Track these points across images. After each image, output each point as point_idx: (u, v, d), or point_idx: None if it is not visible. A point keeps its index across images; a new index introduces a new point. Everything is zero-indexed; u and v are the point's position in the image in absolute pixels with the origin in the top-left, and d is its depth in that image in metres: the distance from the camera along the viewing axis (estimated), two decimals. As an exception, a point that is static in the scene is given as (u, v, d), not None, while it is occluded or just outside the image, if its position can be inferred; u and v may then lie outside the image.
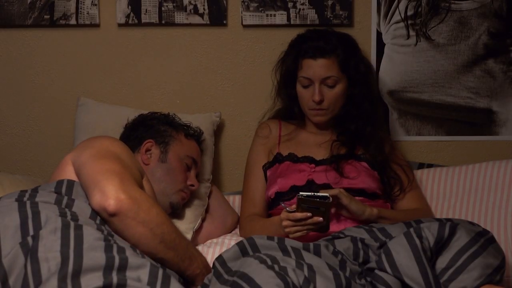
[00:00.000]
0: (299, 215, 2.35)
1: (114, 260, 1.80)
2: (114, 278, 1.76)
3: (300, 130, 2.82)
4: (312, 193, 2.36)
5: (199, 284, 2.13)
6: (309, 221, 2.35)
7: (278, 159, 2.73)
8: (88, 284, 1.74)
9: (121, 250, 1.84)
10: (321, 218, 2.35)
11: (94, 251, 1.81)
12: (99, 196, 1.99)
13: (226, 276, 2.06)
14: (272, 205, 2.70)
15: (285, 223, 2.38)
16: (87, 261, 1.78)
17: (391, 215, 2.57)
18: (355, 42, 2.78)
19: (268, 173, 2.74)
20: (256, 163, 2.79)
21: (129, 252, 1.86)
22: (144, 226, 2.00)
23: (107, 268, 1.78)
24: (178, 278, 2.03)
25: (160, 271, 1.83)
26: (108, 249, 1.83)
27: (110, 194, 1.98)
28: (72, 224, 1.87)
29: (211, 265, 2.19)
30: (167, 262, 2.03)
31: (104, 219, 2.00)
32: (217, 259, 2.15)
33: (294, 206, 2.38)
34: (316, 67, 2.66)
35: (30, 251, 1.81)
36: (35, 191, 2.07)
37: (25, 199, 1.99)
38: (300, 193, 2.36)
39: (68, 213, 1.92)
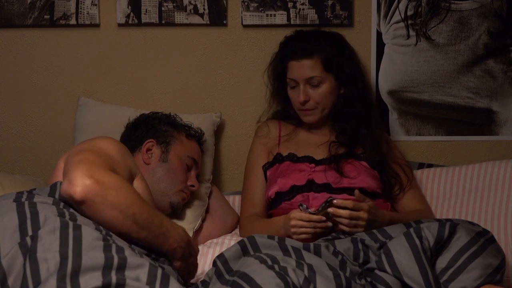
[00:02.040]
0: (314, 217, 2.35)
1: (113, 259, 1.80)
2: (113, 278, 1.76)
3: (299, 130, 2.82)
4: (334, 199, 2.39)
5: (177, 257, 2.11)
6: (320, 224, 2.36)
7: (278, 159, 2.74)
8: (87, 284, 1.74)
9: (120, 250, 1.84)
10: (331, 224, 2.36)
11: (93, 250, 1.80)
12: (66, 184, 1.96)
13: (227, 277, 2.06)
14: (272, 205, 2.70)
15: (294, 222, 2.38)
16: (86, 260, 1.77)
17: (396, 218, 2.57)
18: (343, 41, 2.79)
19: (268, 173, 2.74)
20: (256, 163, 2.79)
21: (128, 252, 1.85)
22: (113, 209, 1.96)
23: (106, 268, 1.78)
24: (177, 277, 2.02)
25: (159, 271, 1.82)
26: (107, 248, 1.83)
27: (76, 181, 1.94)
28: (70, 224, 1.86)
29: (211, 263, 2.19)
30: (141, 241, 2.00)
31: (73, 207, 1.97)
32: (218, 257, 2.15)
33: (314, 209, 2.39)
34: (299, 68, 2.68)
35: (29, 251, 1.80)
36: (31, 193, 2.06)
37: (23, 199, 1.99)
38: (331, 198, 2.38)
39: (67, 214, 1.92)
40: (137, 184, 2.20)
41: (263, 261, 2.01)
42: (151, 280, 1.80)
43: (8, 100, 3.02)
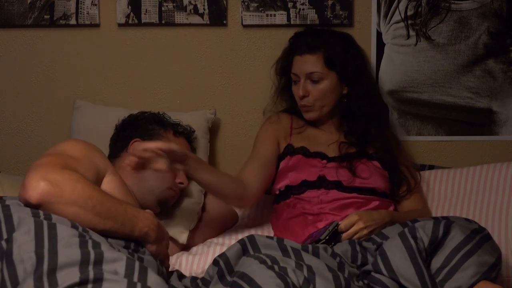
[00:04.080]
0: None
1: (89, 255, 1.79)
2: (91, 273, 1.75)
3: (309, 127, 2.81)
4: (326, 232, 2.40)
5: (151, 241, 2.10)
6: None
7: (289, 150, 2.73)
8: (65, 280, 1.73)
9: (96, 245, 1.84)
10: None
11: (69, 248, 1.80)
12: (21, 190, 1.95)
13: (229, 278, 2.06)
14: (278, 198, 2.70)
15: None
16: (62, 258, 1.77)
17: (396, 216, 2.57)
18: (350, 41, 2.79)
19: (280, 165, 2.73)
20: (266, 139, 2.77)
21: (104, 247, 1.85)
22: (72, 205, 1.94)
23: (83, 263, 1.77)
24: (157, 270, 2.01)
25: (137, 264, 1.82)
26: (83, 244, 1.82)
27: (29, 185, 1.93)
28: (45, 223, 1.85)
29: (212, 262, 2.18)
30: (110, 232, 1.99)
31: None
32: (220, 256, 2.15)
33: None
34: (301, 63, 2.69)
35: (5, 255, 1.80)
36: (1, 198, 2.06)
37: None
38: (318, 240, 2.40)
39: (41, 213, 1.91)
40: (108, 179, 2.18)
41: (262, 261, 2.01)
42: (129, 273, 1.79)
43: (8, 100, 3.03)
